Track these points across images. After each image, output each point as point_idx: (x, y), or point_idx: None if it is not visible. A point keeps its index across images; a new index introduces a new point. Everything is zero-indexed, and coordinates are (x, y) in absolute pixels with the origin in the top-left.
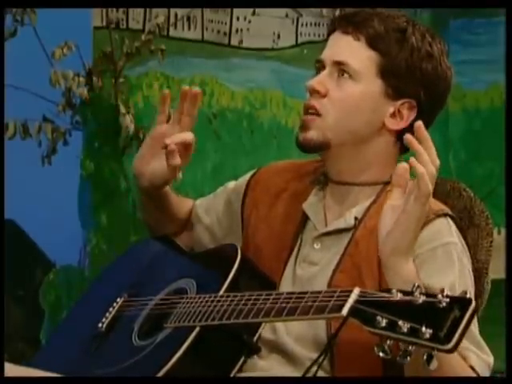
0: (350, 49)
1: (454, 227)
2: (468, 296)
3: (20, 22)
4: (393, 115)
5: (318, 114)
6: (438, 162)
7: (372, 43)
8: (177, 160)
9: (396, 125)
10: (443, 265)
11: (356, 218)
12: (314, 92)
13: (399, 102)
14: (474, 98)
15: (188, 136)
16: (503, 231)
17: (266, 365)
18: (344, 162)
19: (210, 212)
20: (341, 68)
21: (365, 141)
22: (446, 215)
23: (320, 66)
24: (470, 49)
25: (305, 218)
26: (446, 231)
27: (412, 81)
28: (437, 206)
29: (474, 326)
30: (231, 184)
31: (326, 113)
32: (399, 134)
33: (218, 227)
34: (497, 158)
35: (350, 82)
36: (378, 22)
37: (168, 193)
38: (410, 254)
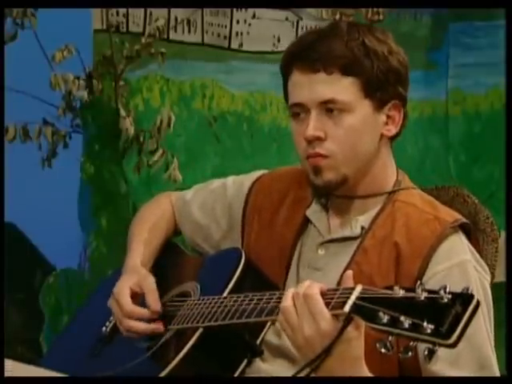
0: (330, 84)
1: (465, 242)
2: (470, 292)
3: (20, 25)
4: (386, 123)
5: (325, 157)
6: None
7: (346, 71)
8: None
9: (391, 130)
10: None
11: (363, 228)
12: (315, 140)
13: (386, 108)
14: (474, 102)
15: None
16: (503, 234)
17: (271, 369)
18: (353, 183)
19: (207, 213)
20: (328, 106)
21: (372, 158)
22: (458, 229)
23: (299, 110)
24: (469, 52)
25: (306, 223)
26: (460, 249)
27: (388, 83)
28: (450, 216)
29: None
30: (230, 184)
31: (334, 153)
32: (392, 138)
33: (216, 228)
34: (497, 162)
35: (344, 115)
36: (340, 46)
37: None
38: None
